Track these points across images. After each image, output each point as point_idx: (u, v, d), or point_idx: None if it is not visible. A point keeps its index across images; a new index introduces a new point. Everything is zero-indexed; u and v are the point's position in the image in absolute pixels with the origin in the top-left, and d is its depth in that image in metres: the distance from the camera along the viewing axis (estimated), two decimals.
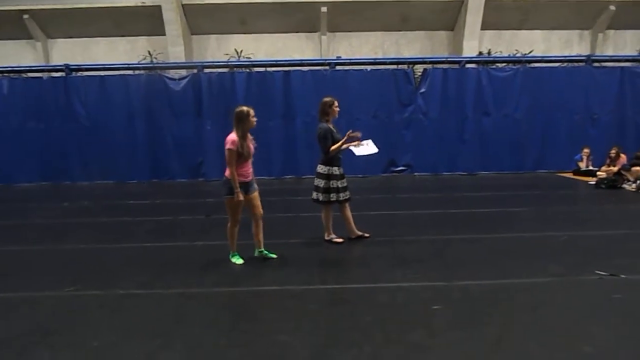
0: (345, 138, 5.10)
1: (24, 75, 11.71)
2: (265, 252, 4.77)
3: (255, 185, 4.67)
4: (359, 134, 5.19)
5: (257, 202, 4.65)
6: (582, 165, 10.57)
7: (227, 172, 4.37)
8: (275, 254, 4.82)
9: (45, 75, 11.46)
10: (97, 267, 4.71)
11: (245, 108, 4.40)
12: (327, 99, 5.21)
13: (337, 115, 5.26)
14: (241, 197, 4.35)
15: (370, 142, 5.26)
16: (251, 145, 4.50)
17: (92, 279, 4.32)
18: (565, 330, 3.06)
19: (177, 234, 6.10)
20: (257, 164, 11.17)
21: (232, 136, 4.33)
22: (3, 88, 10.87)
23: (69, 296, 3.91)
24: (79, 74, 11.47)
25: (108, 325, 3.31)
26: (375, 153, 5.27)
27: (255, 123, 4.46)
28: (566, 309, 3.40)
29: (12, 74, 11.51)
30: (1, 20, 14.75)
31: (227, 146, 4.28)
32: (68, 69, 11.18)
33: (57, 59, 15.32)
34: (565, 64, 11.78)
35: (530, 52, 14.76)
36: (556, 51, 15.95)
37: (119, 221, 6.92)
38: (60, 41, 15.90)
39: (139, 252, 5.21)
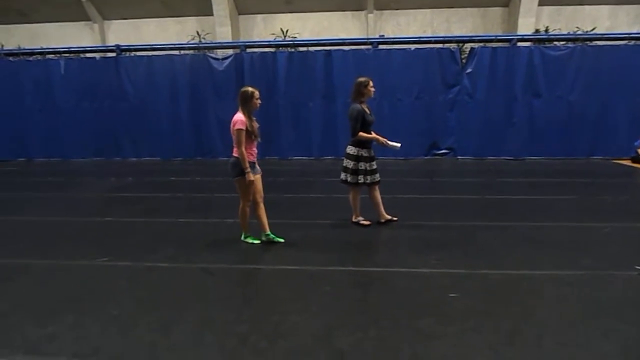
0: (378, 139, 5.07)
1: (80, 55, 12.32)
2: (272, 235, 4.68)
3: (259, 168, 4.59)
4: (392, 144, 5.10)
5: (260, 185, 4.57)
6: None
7: (236, 152, 4.35)
8: (283, 238, 4.72)
9: (98, 55, 11.98)
10: (131, 239, 4.96)
11: (250, 89, 4.36)
12: (361, 79, 5.07)
13: (372, 95, 5.14)
14: (252, 177, 4.36)
15: (398, 145, 5.13)
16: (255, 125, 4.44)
17: (125, 250, 4.55)
18: (585, 327, 2.88)
19: (210, 210, 6.28)
20: (297, 143, 11.33)
21: (240, 116, 4.30)
22: (60, 68, 11.50)
23: (101, 266, 4.14)
24: (130, 54, 11.91)
25: (130, 295, 3.49)
26: (397, 148, 5.17)
27: (258, 105, 4.41)
28: (592, 304, 3.19)
29: (69, 54, 12.12)
30: (61, 3, 15.58)
31: (237, 126, 4.25)
32: (119, 49, 11.63)
33: (112, 40, 16.04)
34: (629, 42, 10.83)
35: (593, 29, 13.73)
36: (623, 28, 14.74)
37: (158, 197, 7.21)
38: (116, 22, 16.59)
39: (172, 227, 5.42)
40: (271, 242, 4.66)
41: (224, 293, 3.53)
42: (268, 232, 4.68)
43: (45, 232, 5.32)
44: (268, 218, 4.69)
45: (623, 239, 4.69)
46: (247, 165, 4.32)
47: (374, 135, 5.11)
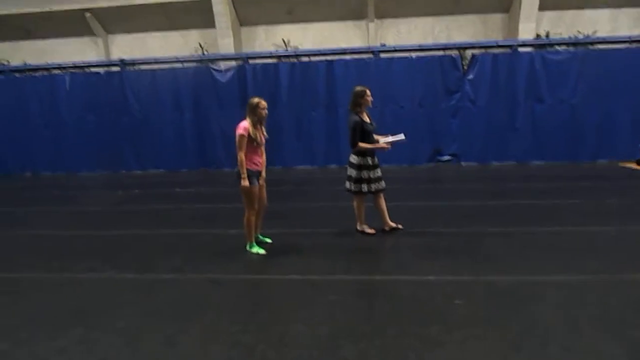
0: (378, 146, 5.07)
1: (85, 70, 12.46)
2: (261, 236, 4.94)
3: (263, 176, 4.74)
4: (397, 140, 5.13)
5: (264, 193, 4.75)
6: None
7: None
8: (270, 238, 4.98)
9: (102, 70, 12.12)
10: (137, 251, 4.98)
11: (256, 99, 4.50)
12: (358, 89, 5.07)
13: (370, 105, 5.14)
14: (247, 183, 4.42)
15: (402, 136, 5.14)
16: (262, 135, 4.58)
17: (131, 263, 4.58)
18: (593, 332, 2.86)
19: (215, 221, 6.31)
20: (301, 153, 11.36)
21: (244, 123, 4.44)
22: (65, 83, 11.65)
23: (107, 279, 4.17)
24: (134, 67, 12.04)
25: (137, 307, 3.50)
26: (404, 140, 5.15)
27: (265, 114, 4.53)
28: (599, 309, 3.18)
29: (74, 69, 12.27)
30: (65, 18, 15.76)
31: (239, 131, 4.38)
32: (123, 63, 11.77)
33: (116, 54, 16.18)
34: (631, 45, 10.83)
35: (594, 33, 13.73)
36: (624, 31, 14.70)
37: (163, 208, 7.25)
38: (119, 37, 16.75)
39: (177, 238, 5.44)
40: (263, 243, 4.89)
41: (230, 303, 3.55)
42: (257, 232, 4.92)
43: (52, 245, 5.36)
44: (273, 227, 4.91)
45: (629, 242, 4.67)
46: (245, 171, 4.41)
47: (374, 145, 5.08)
